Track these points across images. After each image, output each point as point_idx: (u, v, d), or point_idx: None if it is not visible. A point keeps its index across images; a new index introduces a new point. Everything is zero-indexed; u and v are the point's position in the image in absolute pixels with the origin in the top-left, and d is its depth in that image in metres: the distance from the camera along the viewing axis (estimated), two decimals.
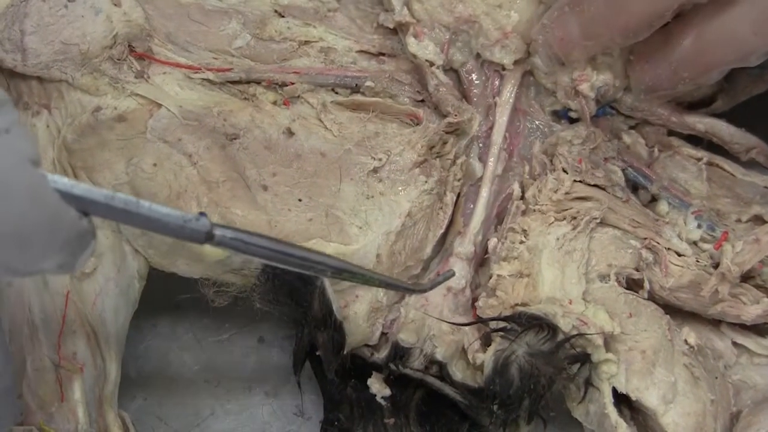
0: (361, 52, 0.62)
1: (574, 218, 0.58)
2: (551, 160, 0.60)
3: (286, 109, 0.59)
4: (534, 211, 0.59)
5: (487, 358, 0.55)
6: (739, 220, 0.60)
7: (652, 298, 0.59)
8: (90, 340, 0.56)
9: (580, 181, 0.59)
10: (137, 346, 0.66)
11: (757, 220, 0.60)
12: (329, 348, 0.57)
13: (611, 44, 0.56)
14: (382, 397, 0.59)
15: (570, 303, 0.56)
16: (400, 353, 0.58)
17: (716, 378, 0.57)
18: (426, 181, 0.57)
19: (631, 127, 0.64)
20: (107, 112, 0.56)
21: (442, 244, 0.60)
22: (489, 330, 0.56)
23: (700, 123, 0.62)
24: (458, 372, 0.58)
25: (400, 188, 0.57)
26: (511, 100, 0.61)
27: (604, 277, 0.58)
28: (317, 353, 0.57)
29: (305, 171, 0.57)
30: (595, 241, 0.58)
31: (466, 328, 0.58)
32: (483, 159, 0.61)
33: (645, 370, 0.55)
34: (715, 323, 0.60)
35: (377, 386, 0.59)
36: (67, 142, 0.56)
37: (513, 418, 0.57)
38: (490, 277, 0.58)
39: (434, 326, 0.58)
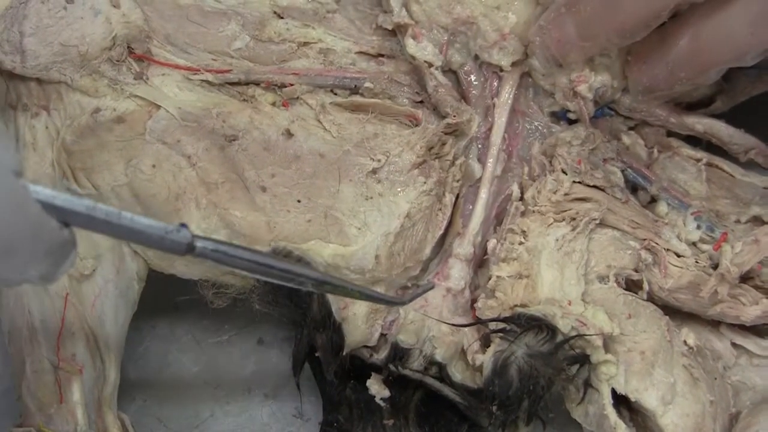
0: (360, 53, 0.62)
1: (574, 219, 0.58)
2: (550, 161, 0.60)
3: (285, 111, 0.59)
4: (533, 212, 0.58)
5: (486, 359, 0.56)
6: (738, 221, 0.60)
7: (651, 299, 0.59)
8: (89, 342, 0.56)
9: (579, 182, 0.59)
10: (136, 348, 0.66)
11: (756, 221, 0.60)
12: (328, 349, 0.57)
13: (608, 45, 0.56)
14: (382, 398, 0.59)
15: (569, 304, 0.56)
16: (399, 354, 0.58)
17: (715, 379, 0.57)
18: (425, 182, 0.57)
19: (630, 128, 0.64)
20: (106, 114, 0.57)
21: (441, 245, 0.60)
22: (488, 331, 0.56)
23: (699, 124, 0.62)
24: (457, 373, 0.58)
25: (399, 189, 0.57)
26: (509, 102, 0.61)
27: (603, 278, 0.58)
28: (316, 354, 0.57)
29: (304, 172, 0.57)
30: (594, 242, 0.58)
31: (466, 329, 0.58)
32: (482, 160, 0.60)
33: (644, 371, 0.55)
34: (715, 324, 0.60)
35: (376, 387, 0.59)
36: (66, 143, 0.56)
37: (512, 419, 0.57)
38: (490, 278, 0.58)
39: (433, 327, 0.58)
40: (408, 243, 0.57)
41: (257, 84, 0.60)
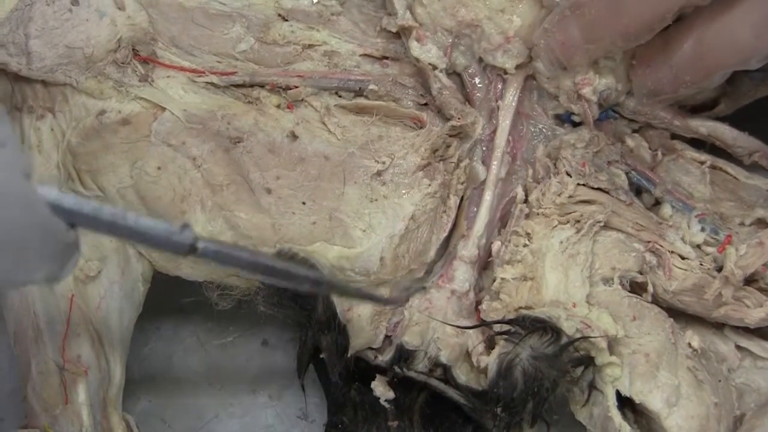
0: (364, 55, 0.62)
1: (578, 221, 0.58)
2: (555, 164, 0.60)
3: (289, 113, 0.59)
4: (537, 214, 0.59)
5: (491, 361, 0.56)
6: (742, 224, 0.60)
7: (655, 301, 0.59)
8: (94, 343, 0.56)
9: (583, 185, 0.59)
10: (141, 349, 0.66)
11: (761, 223, 0.60)
12: (333, 351, 0.57)
13: (612, 48, 0.56)
14: (386, 400, 0.59)
15: (574, 306, 0.56)
16: (404, 356, 0.58)
17: (720, 381, 0.57)
18: (429, 185, 0.58)
19: (635, 131, 0.64)
20: (111, 116, 0.57)
21: (446, 247, 0.60)
22: (493, 333, 0.56)
23: (703, 126, 0.62)
24: (462, 375, 0.58)
25: (403, 191, 0.57)
26: (513, 104, 0.61)
27: (607, 281, 0.58)
28: (321, 356, 0.57)
29: (309, 174, 0.57)
30: (598, 244, 0.59)
31: (470, 331, 0.58)
32: (486, 162, 0.61)
33: (648, 373, 0.55)
34: (719, 326, 0.60)
35: (381, 389, 0.59)
36: (71, 145, 0.57)
37: (516, 421, 0.57)
38: (494, 281, 0.58)
39: (438, 329, 0.58)
40: (412, 245, 0.57)
41: (262, 86, 0.60)
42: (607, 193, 0.59)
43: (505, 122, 0.61)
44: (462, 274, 0.59)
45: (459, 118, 0.58)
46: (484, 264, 0.60)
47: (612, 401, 0.55)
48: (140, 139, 0.56)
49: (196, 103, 0.58)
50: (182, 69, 0.59)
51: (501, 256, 0.58)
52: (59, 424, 0.54)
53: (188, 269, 0.58)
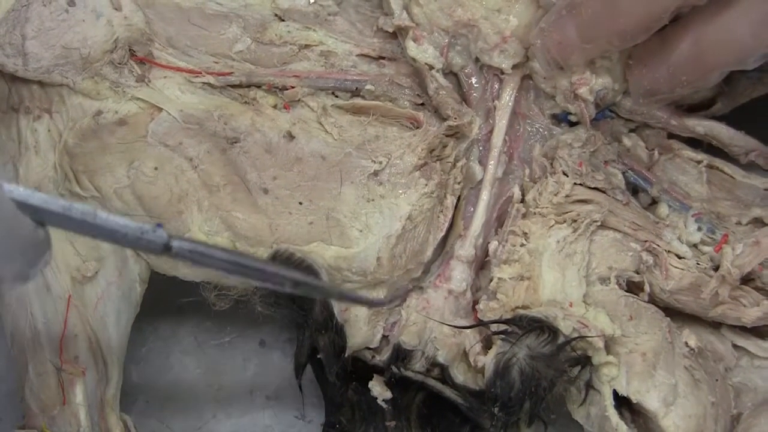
0: (361, 55, 0.62)
1: (575, 221, 0.58)
2: (551, 163, 0.60)
3: (286, 113, 0.59)
4: (534, 214, 0.59)
5: (488, 361, 0.56)
6: (739, 223, 0.60)
7: (652, 300, 0.59)
8: (92, 344, 0.56)
9: (580, 184, 0.59)
10: (139, 350, 0.66)
11: (757, 222, 0.60)
12: (330, 351, 0.57)
13: (609, 47, 0.56)
14: (384, 400, 0.59)
15: (570, 306, 0.56)
16: (401, 356, 0.58)
17: (717, 380, 0.57)
18: (426, 184, 0.58)
19: (631, 130, 0.63)
20: (108, 116, 0.57)
21: (443, 247, 0.60)
22: (490, 333, 0.56)
23: (700, 126, 0.62)
24: (459, 374, 0.58)
25: (400, 191, 0.57)
26: (510, 104, 0.61)
27: (604, 280, 0.58)
28: (318, 356, 0.58)
29: (306, 174, 0.57)
30: (595, 244, 0.59)
31: (468, 330, 0.58)
32: (483, 162, 0.61)
33: (646, 372, 0.55)
34: (716, 326, 0.60)
35: (378, 389, 0.59)
36: (68, 146, 0.56)
37: (514, 421, 0.57)
38: (491, 280, 0.58)
39: (435, 329, 0.58)
40: (409, 245, 0.57)
41: (259, 86, 0.60)
42: (604, 192, 0.59)
43: (501, 122, 0.61)
44: (459, 274, 0.59)
45: (456, 118, 0.58)
46: (481, 264, 0.60)
47: (609, 401, 0.55)
48: (137, 140, 0.56)
49: (193, 103, 0.58)
50: (179, 69, 0.59)
51: (498, 256, 0.58)
52: (57, 424, 0.54)
53: (185, 270, 0.58)
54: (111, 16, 0.58)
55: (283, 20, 0.62)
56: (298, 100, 0.59)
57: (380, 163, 0.57)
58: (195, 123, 0.57)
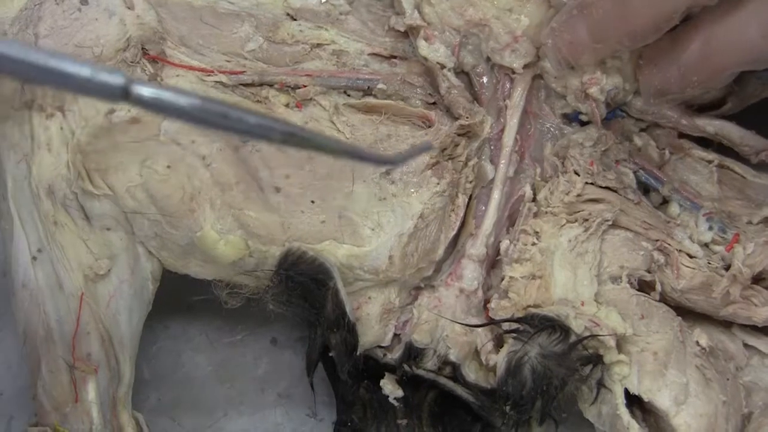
0: (372, 54, 0.62)
1: (586, 220, 0.58)
2: (563, 163, 0.60)
3: (298, 112, 0.59)
4: (546, 213, 0.59)
5: (499, 360, 0.56)
6: (750, 222, 0.60)
7: (663, 299, 0.59)
8: (104, 342, 0.56)
9: (591, 183, 0.59)
10: (150, 347, 0.66)
11: None
12: (342, 349, 0.57)
13: (620, 47, 0.56)
14: (395, 398, 0.59)
15: (582, 304, 0.56)
16: (413, 354, 0.58)
17: (728, 379, 0.57)
18: (438, 183, 0.58)
19: (642, 130, 0.64)
20: (121, 115, 0.57)
21: (454, 245, 0.60)
22: (502, 331, 0.57)
23: (710, 125, 0.62)
24: (471, 373, 0.58)
25: (412, 190, 0.58)
26: (521, 103, 0.61)
27: (616, 279, 0.58)
28: (330, 354, 0.58)
29: (318, 173, 0.57)
30: (606, 243, 0.59)
31: (479, 329, 0.58)
32: (494, 161, 0.61)
33: (657, 371, 0.55)
34: (727, 325, 0.60)
35: (390, 387, 0.59)
36: (81, 144, 0.56)
37: (525, 419, 0.57)
38: (503, 279, 0.58)
39: (447, 327, 0.58)
40: (421, 244, 0.58)
41: (271, 85, 0.60)
42: (615, 191, 0.59)
43: (513, 121, 0.61)
44: (470, 273, 0.59)
45: (467, 117, 0.59)
46: (493, 262, 0.61)
47: (620, 399, 0.55)
48: (149, 138, 0.56)
49: None
50: (191, 68, 0.59)
51: (509, 255, 0.59)
52: (69, 422, 0.54)
53: (197, 268, 0.58)
54: (123, 14, 0.58)
55: (295, 19, 0.62)
56: (310, 98, 0.59)
57: None
58: None
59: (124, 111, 0.57)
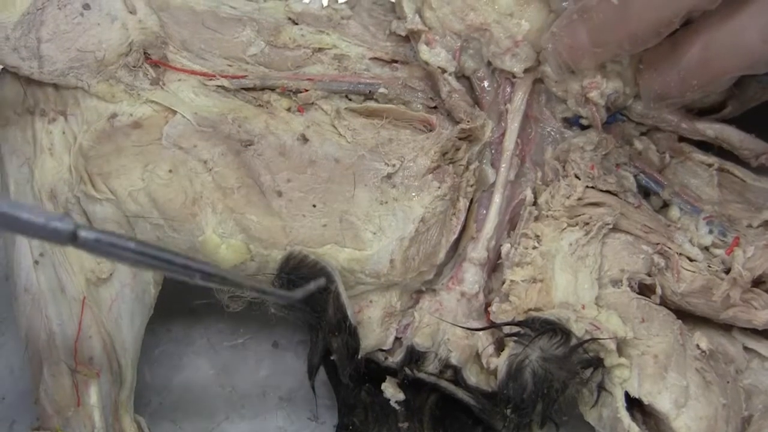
0: (374, 59, 0.62)
1: (587, 224, 0.58)
2: (563, 166, 0.60)
3: (300, 116, 0.59)
4: (547, 216, 0.59)
5: (500, 363, 0.56)
6: (750, 226, 0.60)
7: (664, 303, 0.59)
8: (106, 346, 0.56)
9: (592, 187, 0.59)
10: (152, 351, 0.66)
11: None
12: (344, 353, 0.57)
13: (620, 52, 0.56)
14: (397, 402, 0.59)
15: (583, 308, 0.56)
16: (414, 357, 0.58)
17: (728, 382, 0.57)
18: (439, 187, 0.58)
19: (643, 134, 0.64)
20: (123, 119, 0.57)
21: (456, 249, 0.60)
22: (503, 335, 0.57)
23: (710, 129, 0.62)
24: (472, 376, 0.59)
25: (413, 194, 0.58)
26: (522, 107, 0.61)
27: (616, 282, 0.58)
28: (331, 358, 0.58)
29: (319, 177, 0.57)
30: (607, 246, 0.59)
31: (480, 333, 0.58)
32: (495, 165, 0.61)
33: (657, 374, 0.56)
34: (727, 328, 0.60)
35: (391, 391, 0.59)
36: (83, 148, 0.57)
37: (526, 422, 0.57)
38: (504, 283, 0.58)
39: (448, 331, 0.58)
40: (422, 247, 0.58)
41: (272, 89, 0.60)
42: (616, 195, 0.60)
43: (513, 125, 0.61)
44: (471, 276, 0.59)
45: (468, 121, 0.59)
46: (494, 266, 0.61)
47: (621, 402, 0.55)
48: (151, 143, 0.57)
49: (207, 106, 0.58)
50: (193, 72, 0.59)
51: (510, 258, 0.59)
52: (71, 426, 0.54)
53: None
54: (126, 19, 0.58)
55: (296, 24, 0.62)
56: (312, 103, 0.60)
57: (393, 165, 0.58)
58: (209, 126, 0.57)
59: (126, 115, 0.57)
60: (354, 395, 0.59)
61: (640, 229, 0.59)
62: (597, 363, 0.55)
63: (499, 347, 0.57)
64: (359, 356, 0.57)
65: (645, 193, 0.63)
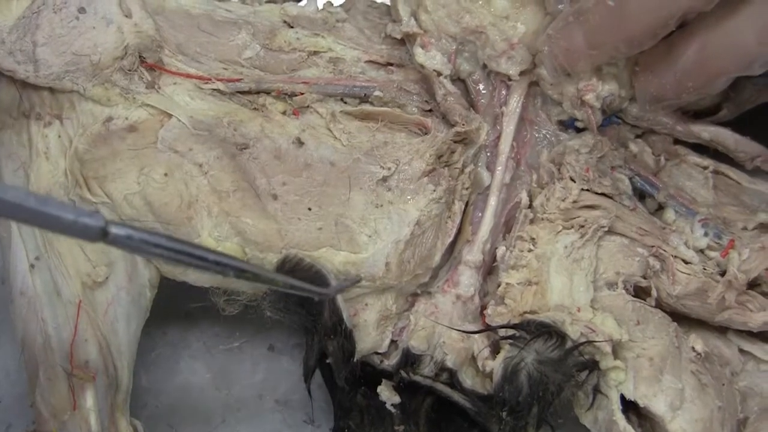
0: (369, 62, 0.62)
1: (582, 226, 0.58)
2: (559, 169, 0.60)
3: (295, 119, 0.59)
4: (542, 219, 0.59)
5: (496, 366, 0.56)
6: (745, 228, 0.60)
7: (659, 305, 0.59)
8: (102, 349, 0.56)
9: (587, 190, 0.59)
10: (148, 354, 0.66)
11: (763, 227, 0.60)
12: (339, 356, 0.57)
13: (616, 54, 0.56)
14: (392, 405, 0.59)
15: (578, 310, 0.56)
16: (410, 360, 0.58)
17: (723, 385, 0.57)
18: (434, 190, 0.58)
19: (638, 136, 0.64)
20: (118, 123, 0.57)
21: (451, 252, 0.60)
22: (498, 337, 0.57)
23: (706, 131, 0.62)
24: (468, 379, 0.59)
25: (408, 197, 0.58)
26: (517, 110, 0.61)
27: (611, 285, 0.58)
28: (327, 361, 0.58)
29: (315, 180, 0.57)
30: (602, 249, 0.59)
31: (476, 335, 0.58)
32: (491, 168, 0.61)
33: (653, 377, 0.56)
34: (722, 330, 0.60)
35: (387, 393, 0.59)
36: (78, 152, 0.57)
37: (522, 425, 0.57)
38: (499, 285, 0.58)
39: (444, 334, 0.58)
40: (418, 250, 0.58)
41: (268, 93, 0.60)
42: (611, 198, 0.60)
43: (509, 128, 0.61)
44: (467, 279, 0.59)
45: (463, 124, 0.59)
46: (489, 269, 0.61)
47: (616, 405, 0.55)
48: (147, 146, 0.57)
49: (203, 109, 0.58)
50: (188, 76, 0.59)
51: (506, 261, 0.59)
52: (67, 429, 0.54)
53: (195, 275, 0.58)
54: (121, 23, 0.58)
55: (291, 27, 0.62)
56: (307, 106, 0.60)
57: (389, 169, 0.58)
58: (204, 129, 0.57)
59: (121, 119, 0.57)
60: (350, 398, 0.59)
61: (635, 232, 0.59)
62: (592, 366, 0.55)
63: (495, 350, 0.57)
64: (355, 359, 0.58)
65: (640, 195, 0.63)
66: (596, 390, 0.56)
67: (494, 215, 0.60)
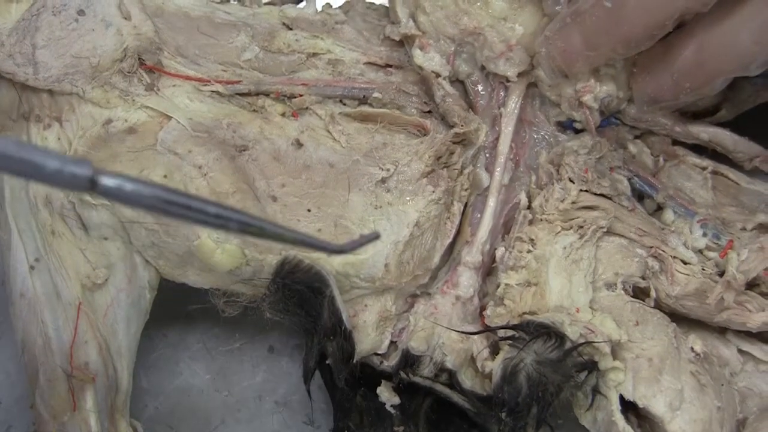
0: (368, 63, 0.62)
1: (581, 227, 0.58)
2: (557, 170, 0.60)
3: (294, 121, 0.59)
4: (541, 220, 0.59)
5: (495, 366, 0.56)
6: (744, 229, 0.61)
7: (658, 306, 0.59)
8: (102, 351, 0.56)
9: (586, 191, 0.59)
10: (148, 356, 0.66)
11: (762, 228, 0.61)
12: (339, 357, 0.57)
13: (613, 55, 0.56)
14: (392, 405, 0.59)
15: (577, 311, 0.56)
16: (410, 361, 0.58)
17: (722, 385, 0.58)
18: (433, 191, 0.58)
19: (637, 137, 0.64)
20: (118, 125, 0.57)
21: (450, 253, 0.61)
22: (497, 338, 0.57)
23: (704, 132, 0.63)
24: (467, 380, 0.59)
25: (408, 198, 0.58)
26: (516, 111, 0.62)
27: (610, 286, 0.58)
28: (327, 362, 0.58)
29: (314, 182, 0.57)
30: (601, 249, 0.59)
31: (475, 336, 0.58)
32: (490, 169, 0.61)
33: (652, 377, 0.56)
34: (721, 331, 0.60)
35: (387, 394, 0.59)
36: (78, 154, 0.57)
37: (521, 426, 0.57)
38: (498, 286, 0.58)
39: (443, 334, 0.58)
40: (417, 251, 0.58)
41: (267, 95, 0.60)
42: (610, 199, 0.60)
43: (507, 129, 0.61)
44: (466, 280, 0.59)
45: (462, 125, 0.59)
46: (488, 270, 0.61)
47: (616, 405, 0.55)
48: (146, 148, 0.57)
49: (202, 111, 0.58)
50: (188, 78, 0.59)
51: (505, 262, 0.59)
52: (67, 430, 0.54)
53: (195, 276, 0.58)
54: (120, 25, 0.59)
55: (290, 29, 0.62)
56: (306, 108, 0.60)
57: (388, 170, 0.58)
58: (204, 131, 0.57)
59: (121, 121, 0.57)
60: (349, 399, 0.59)
61: (634, 233, 0.59)
62: (591, 366, 0.55)
63: (494, 351, 0.57)
64: (354, 360, 0.58)
65: (639, 196, 0.63)
66: (595, 390, 0.56)
67: (493, 216, 0.60)
